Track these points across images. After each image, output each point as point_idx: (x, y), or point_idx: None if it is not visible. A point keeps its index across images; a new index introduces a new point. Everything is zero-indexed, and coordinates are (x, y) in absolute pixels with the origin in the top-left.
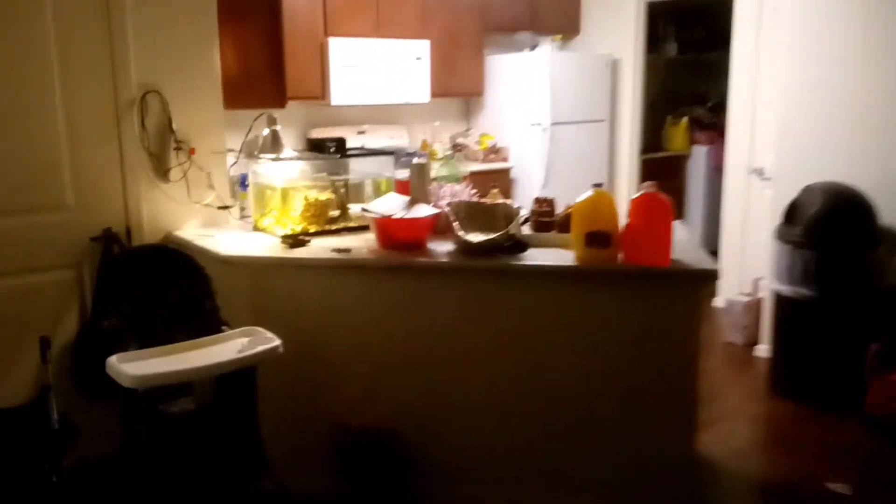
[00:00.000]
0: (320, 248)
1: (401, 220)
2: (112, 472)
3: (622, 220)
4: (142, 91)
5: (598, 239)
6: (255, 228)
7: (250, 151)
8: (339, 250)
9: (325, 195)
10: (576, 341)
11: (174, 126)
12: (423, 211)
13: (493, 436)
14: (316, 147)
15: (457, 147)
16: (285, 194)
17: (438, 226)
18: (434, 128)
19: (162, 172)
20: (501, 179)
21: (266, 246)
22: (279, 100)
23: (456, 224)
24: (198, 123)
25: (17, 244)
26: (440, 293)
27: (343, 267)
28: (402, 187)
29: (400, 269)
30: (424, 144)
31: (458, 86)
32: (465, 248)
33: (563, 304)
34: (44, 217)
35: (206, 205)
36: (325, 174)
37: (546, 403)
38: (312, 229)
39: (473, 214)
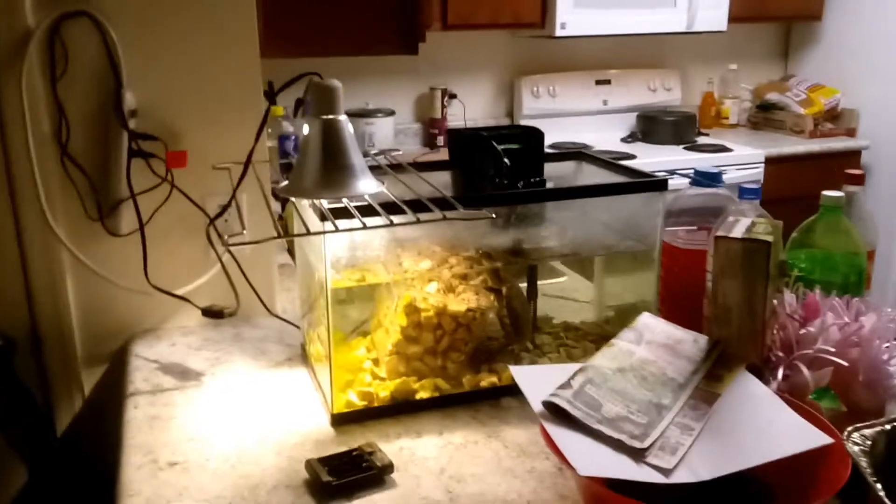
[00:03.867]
0: None
1: None
2: None
3: None
4: (51, 14)
5: None
6: (305, 357)
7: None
8: None
9: (462, 297)
10: None
11: (128, 100)
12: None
13: None
14: (461, 147)
15: (766, 107)
16: (349, 298)
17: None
18: (727, 74)
19: (105, 210)
20: (845, 168)
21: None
22: (407, 34)
23: None
24: (192, 94)
25: None
26: None
27: None
28: (678, 285)
29: None
30: (708, 101)
31: (780, 4)
32: None
33: None
34: None
35: (183, 298)
36: (468, 236)
37: None
38: (423, 392)
39: None
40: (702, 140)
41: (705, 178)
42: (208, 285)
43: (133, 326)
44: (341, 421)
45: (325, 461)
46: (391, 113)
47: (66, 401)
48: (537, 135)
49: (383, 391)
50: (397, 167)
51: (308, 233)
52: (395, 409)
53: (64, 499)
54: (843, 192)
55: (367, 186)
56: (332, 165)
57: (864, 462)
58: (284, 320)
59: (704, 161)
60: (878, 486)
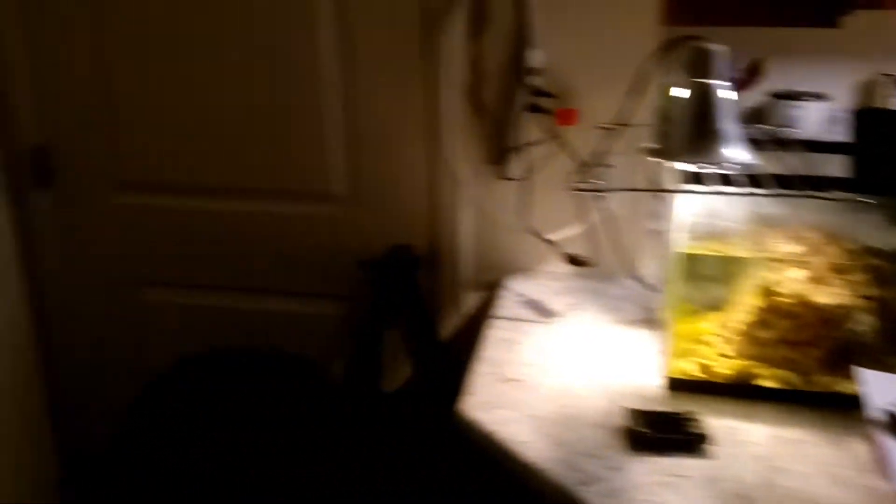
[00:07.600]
0: None
1: None
2: None
3: None
4: None
5: None
6: (659, 323)
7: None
8: None
9: (833, 291)
10: None
11: (531, 59)
12: None
13: None
14: (870, 128)
15: None
16: (703, 268)
17: None
18: None
19: (500, 155)
20: None
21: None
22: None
23: None
24: (588, 57)
25: (250, 251)
26: None
27: None
28: None
29: None
30: None
31: None
32: None
33: None
34: (296, 208)
35: (551, 243)
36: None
37: None
38: (766, 380)
39: None
40: None
41: None
42: (577, 238)
43: (512, 263)
44: (674, 386)
45: (645, 414)
46: (821, 97)
47: (450, 315)
48: None
49: (725, 369)
50: (785, 143)
51: (653, 189)
52: (731, 389)
53: (438, 398)
54: None
55: (737, 155)
56: (699, 131)
57: None
58: (643, 283)
59: None
60: None
